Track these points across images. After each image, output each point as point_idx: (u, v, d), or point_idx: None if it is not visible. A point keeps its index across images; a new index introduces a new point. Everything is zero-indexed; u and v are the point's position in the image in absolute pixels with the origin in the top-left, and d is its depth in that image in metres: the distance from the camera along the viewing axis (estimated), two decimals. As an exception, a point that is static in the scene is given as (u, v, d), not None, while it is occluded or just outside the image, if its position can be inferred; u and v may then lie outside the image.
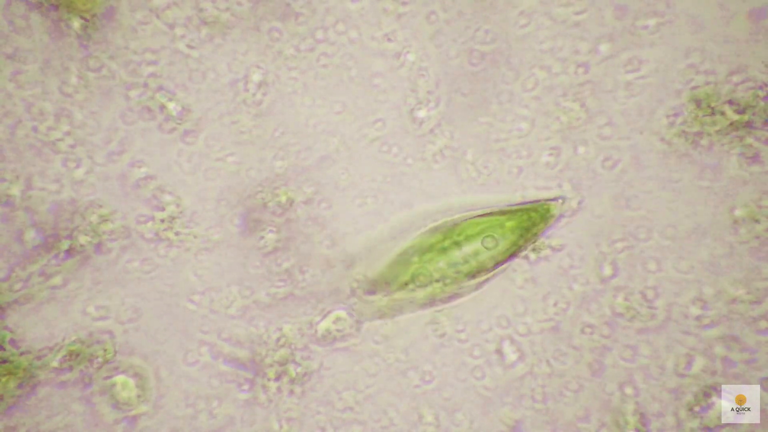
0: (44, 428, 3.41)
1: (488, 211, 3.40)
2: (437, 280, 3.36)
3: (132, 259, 3.44)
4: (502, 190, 3.44)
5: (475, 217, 3.39)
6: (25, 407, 3.40)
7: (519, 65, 3.39)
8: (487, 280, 3.41)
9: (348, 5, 3.38)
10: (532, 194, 3.43)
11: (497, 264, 3.38)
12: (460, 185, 3.45)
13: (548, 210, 3.39)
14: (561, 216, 3.41)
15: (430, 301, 3.43)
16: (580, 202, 3.40)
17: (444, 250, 3.36)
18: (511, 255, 3.39)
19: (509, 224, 3.36)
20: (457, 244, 3.35)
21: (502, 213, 3.39)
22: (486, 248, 3.34)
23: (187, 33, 3.39)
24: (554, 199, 3.41)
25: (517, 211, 3.39)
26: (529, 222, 3.37)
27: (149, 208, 3.43)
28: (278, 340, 3.47)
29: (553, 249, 3.42)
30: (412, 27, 3.40)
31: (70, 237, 3.41)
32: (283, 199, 3.45)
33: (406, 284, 3.38)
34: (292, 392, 3.47)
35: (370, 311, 3.42)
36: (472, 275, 3.38)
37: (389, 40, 3.41)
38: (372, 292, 3.41)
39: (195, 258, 3.46)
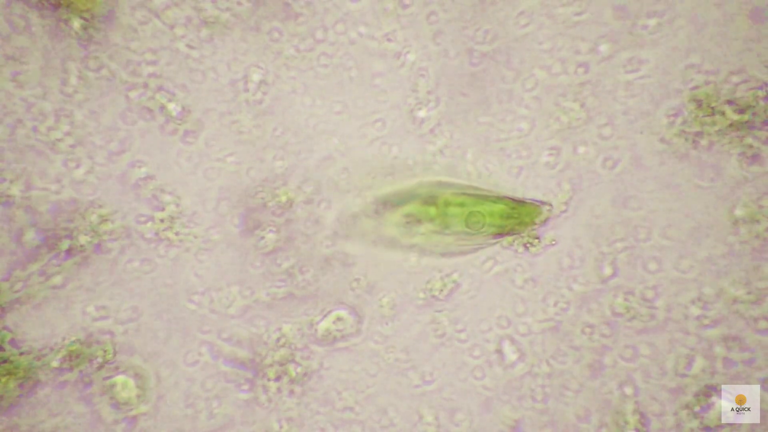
0: (44, 428, 3.41)
1: (484, 191, 3.40)
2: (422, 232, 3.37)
3: (132, 259, 3.44)
4: (501, 190, 3.44)
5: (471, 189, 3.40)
6: (24, 407, 3.40)
7: (519, 65, 3.39)
8: (473, 249, 3.42)
9: (348, 5, 3.38)
10: (532, 194, 3.43)
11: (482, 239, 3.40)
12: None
13: (536, 212, 3.39)
14: (547, 220, 3.41)
15: (413, 247, 3.43)
16: (564, 210, 3.40)
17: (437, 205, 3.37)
18: (493, 236, 3.39)
19: (497, 208, 3.36)
20: (447, 204, 3.36)
21: (494, 198, 3.39)
22: (469, 227, 3.35)
23: (187, 33, 3.39)
24: (542, 203, 3.41)
25: (510, 202, 3.39)
26: (517, 216, 3.37)
27: (149, 208, 3.43)
28: (278, 340, 3.48)
29: (546, 245, 3.42)
30: (413, 27, 3.40)
31: (70, 237, 3.41)
32: (283, 199, 3.45)
33: (401, 219, 3.38)
34: (292, 392, 3.47)
35: (361, 228, 3.41)
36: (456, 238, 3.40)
37: (389, 40, 3.41)
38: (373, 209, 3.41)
39: (195, 258, 3.46)
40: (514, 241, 3.42)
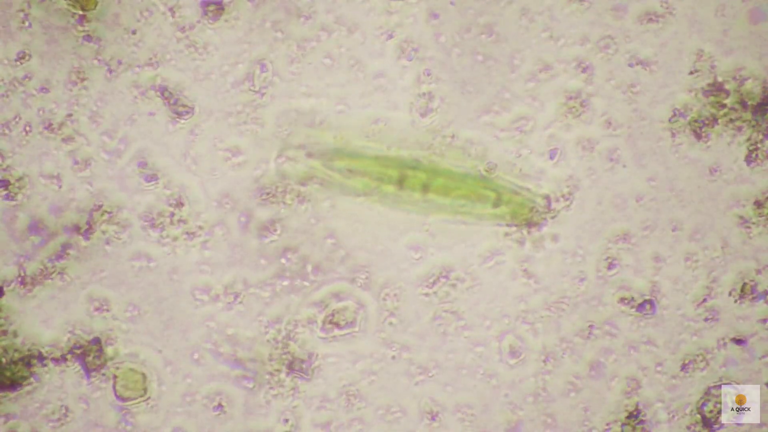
0: (44, 428, 3.40)
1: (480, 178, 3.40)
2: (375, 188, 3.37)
3: (133, 257, 3.44)
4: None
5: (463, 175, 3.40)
6: (24, 406, 3.39)
7: (520, 65, 3.41)
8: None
9: (351, 4, 3.40)
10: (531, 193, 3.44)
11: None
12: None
13: (532, 211, 3.41)
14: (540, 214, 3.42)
15: (359, 195, 3.41)
16: (566, 208, 3.42)
17: (409, 169, 3.37)
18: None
19: (491, 212, 3.38)
20: (425, 187, 3.37)
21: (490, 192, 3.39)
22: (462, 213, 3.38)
23: (191, 30, 3.40)
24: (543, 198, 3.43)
25: (504, 199, 3.39)
26: (511, 217, 3.39)
27: (152, 204, 3.44)
28: (278, 337, 3.47)
29: (548, 240, 3.43)
30: (414, 27, 3.41)
31: (71, 235, 3.41)
32: (286, 197, 3.46)
33: (350, 171, 3.37)
34: (294, 387, 3.47)
35: (297, 172, 3.39)
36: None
37: (391, 39, 3.42)
38: (311, 156, 3.39)
39: (197, 254, 3.45)
40: (514, 234, 3.43)
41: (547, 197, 3.41)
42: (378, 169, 3.39)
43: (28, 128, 3.39)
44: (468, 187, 3.40)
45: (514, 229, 3.42)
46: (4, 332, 3.36)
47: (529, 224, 3.41)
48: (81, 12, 3.35)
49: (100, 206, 3.41)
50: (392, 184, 3.39)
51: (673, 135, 3.40)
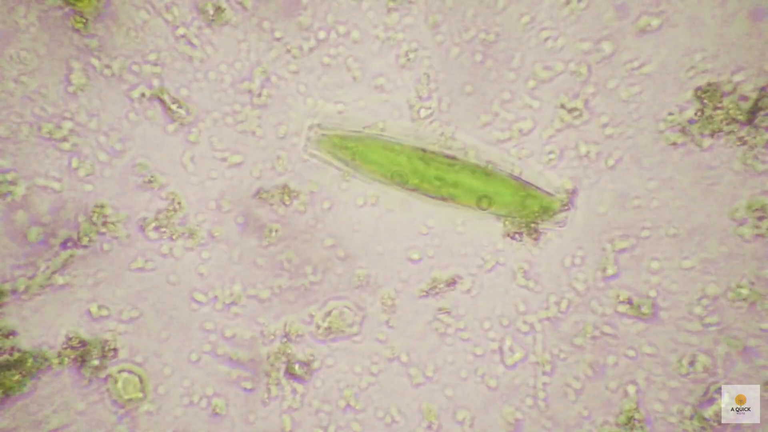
0: (44, 428, 3.40)
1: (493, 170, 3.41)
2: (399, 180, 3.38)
3: (133, 258, 3.44)
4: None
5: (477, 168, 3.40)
6: (24, 407, 3.40)
7: (520, 65, 3.40)
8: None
9: (350, 5, 3.40)
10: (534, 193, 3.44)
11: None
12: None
13: (548, 207, 3.41)
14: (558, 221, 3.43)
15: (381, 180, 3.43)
16: (566, 209, 3.42)
17: (426, 162, 3.38)
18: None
19: (507, 196, 3.39)
20: (441, 180, 3.37)
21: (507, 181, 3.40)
22: (480, 207, 3.37)
23: (189, 32, 3.40)
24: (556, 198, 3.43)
25: (523, 190, 3.40)
26: (525, 210, 3.40)
27: (150, 207, 3.44)
28: (279, 338, 3.48)
29: (547, 242, 3.43)
30: (414, 27, 3.41)
31: (70, 236, 3.41)
32: (284, 198, 3.46)
33: (360, 164, 3.39)
34: (293, 391, 3.48)
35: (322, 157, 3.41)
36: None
37: (391, 40, 3.42)
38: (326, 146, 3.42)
39: (196, 257, 3.46)
40: (515, 236, 3.43)
41: (562, 197, 3.42)
42: (391, 160, 3.40)
43: (25, 130, 3.39)
44: (476, 183, 3.40)
45: (515, 229, 3.43)
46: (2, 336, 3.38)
47: (533, 225, 3.42)
48: (78, 10, 3.34)
49: (99, 208, 3.42)
50: (403, 178, 3.40)
51: (672, 138, 3.39)
